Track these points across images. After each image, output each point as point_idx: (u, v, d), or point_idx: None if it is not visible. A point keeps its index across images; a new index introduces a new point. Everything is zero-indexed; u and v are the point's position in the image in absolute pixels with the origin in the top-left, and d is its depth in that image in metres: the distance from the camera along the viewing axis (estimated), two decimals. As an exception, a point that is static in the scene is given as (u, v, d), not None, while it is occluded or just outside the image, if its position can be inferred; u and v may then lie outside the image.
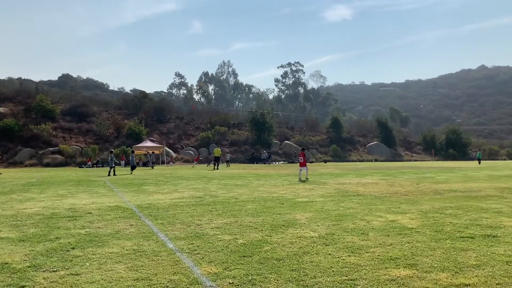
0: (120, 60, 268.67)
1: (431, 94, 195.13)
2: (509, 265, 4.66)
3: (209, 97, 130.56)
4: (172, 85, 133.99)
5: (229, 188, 15.15)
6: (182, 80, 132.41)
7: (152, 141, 49.94)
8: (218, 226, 7.26)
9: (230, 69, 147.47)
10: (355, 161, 60.78)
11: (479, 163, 44.54)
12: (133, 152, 32.36)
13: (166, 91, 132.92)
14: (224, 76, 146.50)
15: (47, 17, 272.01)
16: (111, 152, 26.98)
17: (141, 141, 47.99)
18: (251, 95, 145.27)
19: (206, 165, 42.78)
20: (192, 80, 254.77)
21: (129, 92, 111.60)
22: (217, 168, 33.31)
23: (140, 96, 71.13)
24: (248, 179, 19.85)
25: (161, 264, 4.87)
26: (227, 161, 44.03)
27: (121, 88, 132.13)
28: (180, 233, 6.73)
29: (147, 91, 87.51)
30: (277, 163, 53.15)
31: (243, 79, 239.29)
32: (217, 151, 36.16)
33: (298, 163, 22.14)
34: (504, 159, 67.22)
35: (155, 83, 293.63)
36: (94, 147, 47.04)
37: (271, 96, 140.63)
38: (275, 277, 4.33)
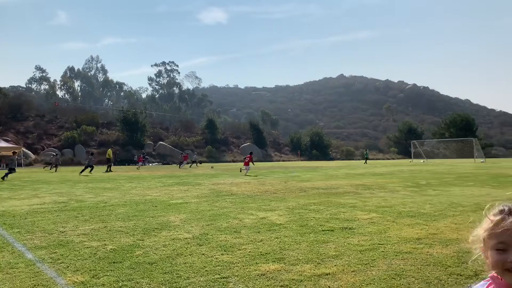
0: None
1: (298, 99, 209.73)
2: (362, 254, 5.24)
3: (75, 94, 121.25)
4: (32, 80, 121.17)
5: (97, 191, 14.26)
6: (44, 74, 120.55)
7: (6, 141, 44.48)
8: (85, 233, 6.79)
9: (99, 65, 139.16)
10: (230, 161, 62.25)
11: (366, 162, 48.86)
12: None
13: (25, 86, 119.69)
14: (92, 72, 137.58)
15: None
16: None
17: (-9, 141, 42.41)
18: (122, 93, 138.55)
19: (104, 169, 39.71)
20: (55, 75, 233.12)
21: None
22: (110, 171, 31.32)
23: (-10, 91, 62.89)
24: (119, 182, 18.95)
25: (18, 277, 4.37)
26: (195, 162, 42.77)
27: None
28: (41, 242, 6.12)
29: (1, 86, 77.73)
30: (150, 164, 51.68)
31: (114, 76, 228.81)
32: (109, 152, 34.27)
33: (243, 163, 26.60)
34: (359, 159, 75.35)
35: (10, 77, 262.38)
36: None
37: (144, 95, 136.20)
38: (147, 281, 4.21)
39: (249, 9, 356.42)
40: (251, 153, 27.37)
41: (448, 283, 4.06)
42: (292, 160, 68.55)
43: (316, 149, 76.99)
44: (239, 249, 5.50)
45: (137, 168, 37.76)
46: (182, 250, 5.50)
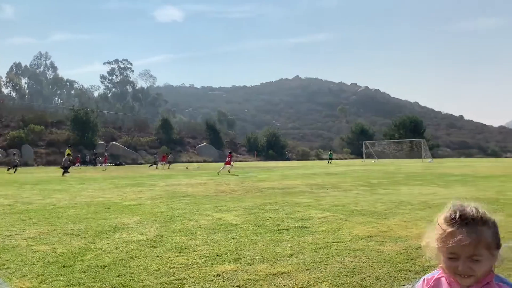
0: None
1: (255, 100, 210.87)
2: (317, 252, 5.34)
3: (22, 91, 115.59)
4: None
5: (46, 193, 13.67)
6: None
7: None
8: (32, 236, 6.48)
9: (48, 62, 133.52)
10: (185, 162, 61.55)
11: (330, 162, 49.50)
12: None
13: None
14: (41, 69, 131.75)
15: None
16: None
17: None
18: (73, 92, 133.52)
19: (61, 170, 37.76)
20: (0, 71, 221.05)
21: None
22: (67, 172, 29.83)
23: None
24: (69, 183, 18.25)
25: (-44, 286, 4.11)
26: (170, 162, 41.42)
27: None
28: (-17, 247, 5.79)
29: None
30: (103, 165, 50.17)
31: (64, 73, 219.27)
32: (68, 152, 32.77)
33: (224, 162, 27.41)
34: (314, 159, 76.79)
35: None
36: None
37: (96, 94, 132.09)
38: (100, 285, 4.09)
39: (205, 8, 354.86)
40: (230, 153, 27.53)
41: (397, 279, 4.22)
42: (249, 161, 68.80)
43: (273, 149, 77.71)
44: (194, 251, 5.46)
45: (104, 170, 36.53)
46: (136, 253, 5.38)
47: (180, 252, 5.38)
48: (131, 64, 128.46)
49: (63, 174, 25.49)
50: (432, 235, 1.36)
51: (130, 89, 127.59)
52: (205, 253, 5.34)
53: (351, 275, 4.34)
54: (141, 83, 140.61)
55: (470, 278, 1.29)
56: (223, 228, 6.98)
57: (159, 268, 4.67)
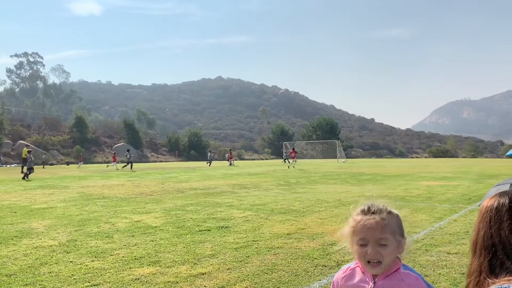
0: None
1: (176, 99, 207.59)
2: (237, 251, 5.41)
3: None
4: None
5: None
6: None
7: None
8: None
9: None
10: (101, 162, 58.74)
11: (285, 161, 49.68)
12: None
13: None
14: None
15: None
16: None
17: None
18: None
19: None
20: None
21: None
22: (25, 172, 26.71)
23: None
24: (-32, 186, 16.57)
25: None
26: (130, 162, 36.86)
27: None
28: None
29: None
30: (8, 166, 46.21)
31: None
32: (25, 151, 29.52)
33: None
34: (236, 159, 77.38)
35: None
36: None
37: (1, 89, 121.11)
38: (4, 297, 3.78)
39: (125, 3, 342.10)
40: (230, 151, 27.90)
41: (314, 274, 4.42)
42: (170, 161, 67.47)
43: (195, 149, 76.93)
44: (111, 255, 5.25)
45: (78, 167, 32.78)
46: (46, 259, 5.05)
47: (95, 257, 5.15)
48: (42, 58, 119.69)
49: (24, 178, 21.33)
50: (346, 228, 1.53)
51: (40, 84, 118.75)
52: (122, 256, 5.16)
53: (271, 273, 4.46)
54: (53, 79, 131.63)
55: (379, 265, 1.43)
56: (142, 231, 6.79)
57: (72, 274, 4.43)
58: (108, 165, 39.63)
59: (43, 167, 38.61)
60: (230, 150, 47.05)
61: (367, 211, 1.48)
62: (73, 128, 68.35)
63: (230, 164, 40.76)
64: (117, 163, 37.06)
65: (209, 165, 40.50)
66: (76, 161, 56.29)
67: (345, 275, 1.57)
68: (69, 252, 5.40)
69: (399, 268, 1.46)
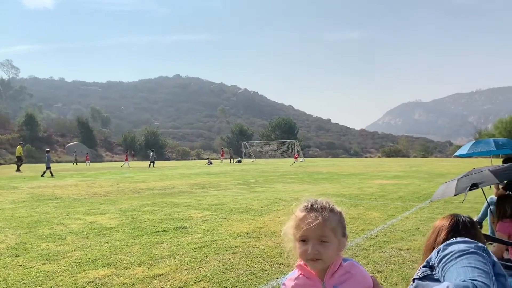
0: None
1: (132, 97, 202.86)
2: (195, 251, 5.37)
3: None
4: None
5: None
6: None
7: None
8: None
9: None
10: (54, 162, 56.47)
11: (235, 161, 50.13)
12: None
13: None
14: None
15: None
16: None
17: None
18: None
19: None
20: None
21: None
22: (19, 171, 25.08)
23: None
24: None
25: None
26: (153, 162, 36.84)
27: None
28: None
29: None
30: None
31: None
32: (19, 149, 28.44)
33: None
34: (194, 159, 76.69)
35: None
36: None
37: None
38: None
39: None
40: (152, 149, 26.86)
41: (272, 272, 4.46)
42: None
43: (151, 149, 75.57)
44: (64, 257, 5.07)
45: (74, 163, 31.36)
46: (-8, 264, 4.80)
47: (47, 260, 4.95)
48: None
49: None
50: (289, 225, 1.52)
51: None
52: (76, 259, 5.00)
53: (229, 272, 4.46)
54: (1, 74, 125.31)
55: (319, 262, 1.44)
56: (97, 232, 6.60)
57: (22, 279, 4.24)
58: (122, 166, 38.34)
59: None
60: (222, 148, 59.34)
61: (310, 208, 1.47)
62: (23, 126, 65.28)
63: (221, 161, 49.23)
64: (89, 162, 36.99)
65: (152, 166, 35.78)
66: (27, 160, 53.83)
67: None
68: (18, 256, 5.16)
69: (341, 262, 1.48)
